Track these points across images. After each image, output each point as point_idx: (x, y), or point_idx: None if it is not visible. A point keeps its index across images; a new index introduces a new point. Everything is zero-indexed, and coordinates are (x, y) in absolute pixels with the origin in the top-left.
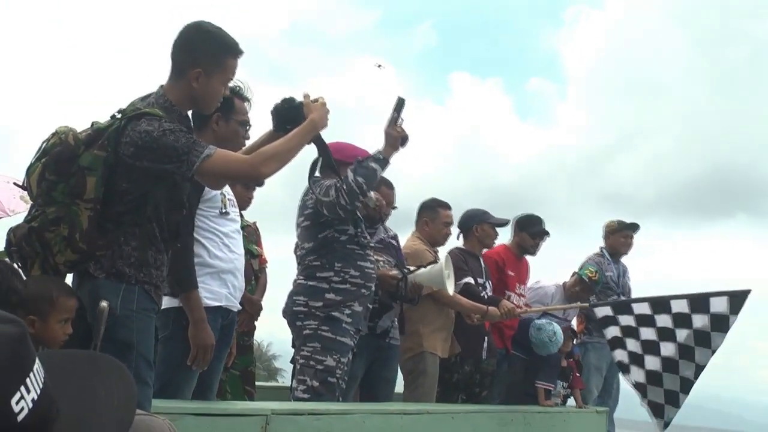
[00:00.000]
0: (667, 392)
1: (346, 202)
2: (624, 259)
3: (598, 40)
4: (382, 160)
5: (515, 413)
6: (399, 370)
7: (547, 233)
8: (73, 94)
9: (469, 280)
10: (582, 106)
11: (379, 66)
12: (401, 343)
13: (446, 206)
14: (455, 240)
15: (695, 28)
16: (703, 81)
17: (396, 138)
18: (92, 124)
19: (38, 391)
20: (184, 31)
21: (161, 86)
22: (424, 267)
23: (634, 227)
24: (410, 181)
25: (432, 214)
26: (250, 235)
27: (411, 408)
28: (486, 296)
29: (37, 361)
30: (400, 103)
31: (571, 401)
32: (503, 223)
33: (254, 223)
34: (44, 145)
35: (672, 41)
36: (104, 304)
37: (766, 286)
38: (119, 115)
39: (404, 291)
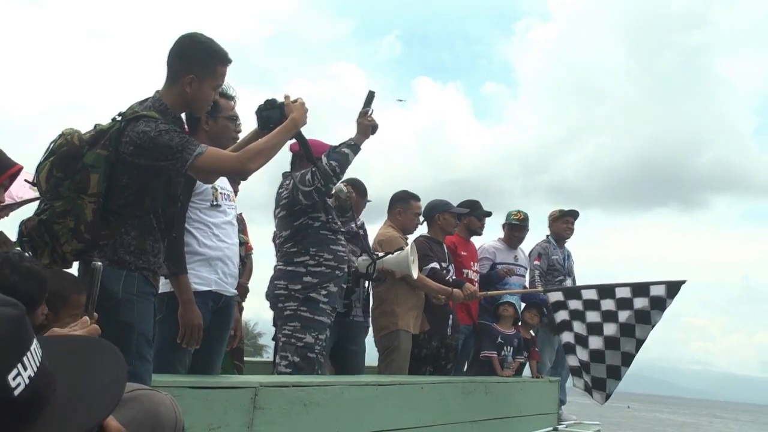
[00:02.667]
0: (609, 367)
1: (322, 184)
2: (571, 245)
3: (546, 49)
4: (354, 146)
5: (477, 383)
6: (366, 342)
7: (489, 213)
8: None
9: (435, 265)
10: (532, 107)
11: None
12: (377, 321)
13: (417, 198)
14: (422, 228)
15: (631, 39)
16: (639, 85)
17: (366, 126)
18: (95, 126)
19: (35, 369)
20: (179, 41)
21: (157, 91)
22: (392, 254)
23: (573, 213)
24: (379, 176)
25: (404, 205)
26: (238, 224)
27: (384, 380)
28: (451, 279)
29: (35, 341)
30: (370, 96)
31: (527, 371)
32: (463, 212)
33: (240, 214)
34: (52, 145)
35: (611, 50)
36: (98, 263)
37: (695, 267)
38: (119, 118)
39: (373, 273)
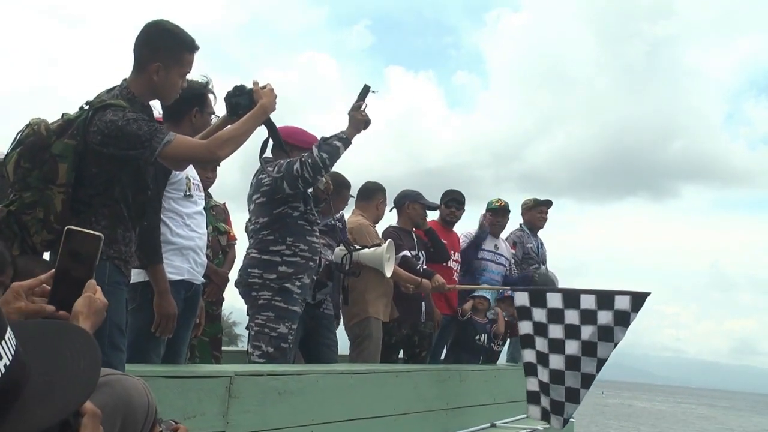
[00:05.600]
0: (567, 390)
1: (310, 175)
2: (543, 233)
3: (517, 39)
4: (345, 139)
5: (451, 371)
6: (339, 335)
7: (458, 201)
8: None
9: (407, 253)
10: (503, 96)
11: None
12: (348, 309)
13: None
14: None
15: (599, 29)
16: (608, 74)
17: (360, 121)
18: (62, 116)
19: (10, 358)
20: (145, 29)
21: (124, 79)
22: (369, 248)
23: (548, 203)
24: (351, 164)
25: (382, 197)
26: (219, 214)
27: (359, 368)
28: (422, 269)
29: (8, 330)
30: (365, 90)
31: (502, 359)
32: (433, 206)
33: (224, 203)
34: (19, 135)
35: (580, 40)
36: (100, 234)
37: (665, 255)
38: (87, 107)
39: (348, 266)
